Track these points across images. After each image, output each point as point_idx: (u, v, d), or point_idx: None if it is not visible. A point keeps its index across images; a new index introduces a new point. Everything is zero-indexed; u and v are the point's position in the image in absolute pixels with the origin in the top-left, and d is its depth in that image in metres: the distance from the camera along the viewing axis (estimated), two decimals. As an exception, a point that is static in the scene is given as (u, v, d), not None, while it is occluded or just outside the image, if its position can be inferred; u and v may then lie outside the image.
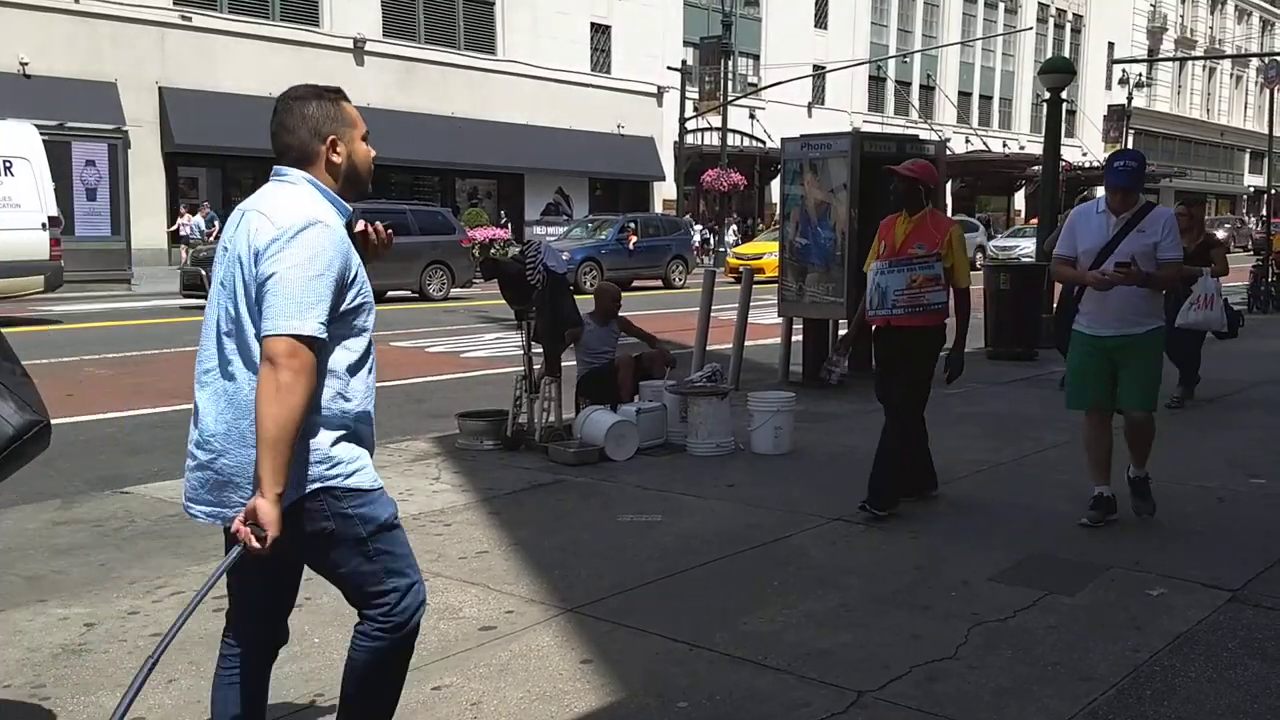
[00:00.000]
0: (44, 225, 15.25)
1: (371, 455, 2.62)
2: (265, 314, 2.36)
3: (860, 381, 10.01)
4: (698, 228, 35.33)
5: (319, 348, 2.38)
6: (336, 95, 2.63)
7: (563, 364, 7.42)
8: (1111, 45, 60.42)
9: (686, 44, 39.18)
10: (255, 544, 2.34)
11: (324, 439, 2.46)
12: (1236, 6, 74.19)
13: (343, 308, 2.45)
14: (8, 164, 15.02)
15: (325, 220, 2.47)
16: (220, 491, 2.52)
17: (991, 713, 3.35)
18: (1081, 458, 5.71)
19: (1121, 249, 5.13)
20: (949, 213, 26.26)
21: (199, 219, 26.36)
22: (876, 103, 48.96)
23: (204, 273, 18.02)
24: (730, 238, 35.03)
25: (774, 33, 43.20)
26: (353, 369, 2.52)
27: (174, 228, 26.74)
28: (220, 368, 2.49)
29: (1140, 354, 5.23)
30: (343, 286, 2.44)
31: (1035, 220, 20.06)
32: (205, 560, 4.79)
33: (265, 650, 2.86)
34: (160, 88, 26.97)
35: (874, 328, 5.71)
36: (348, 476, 2.51)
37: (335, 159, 2.59)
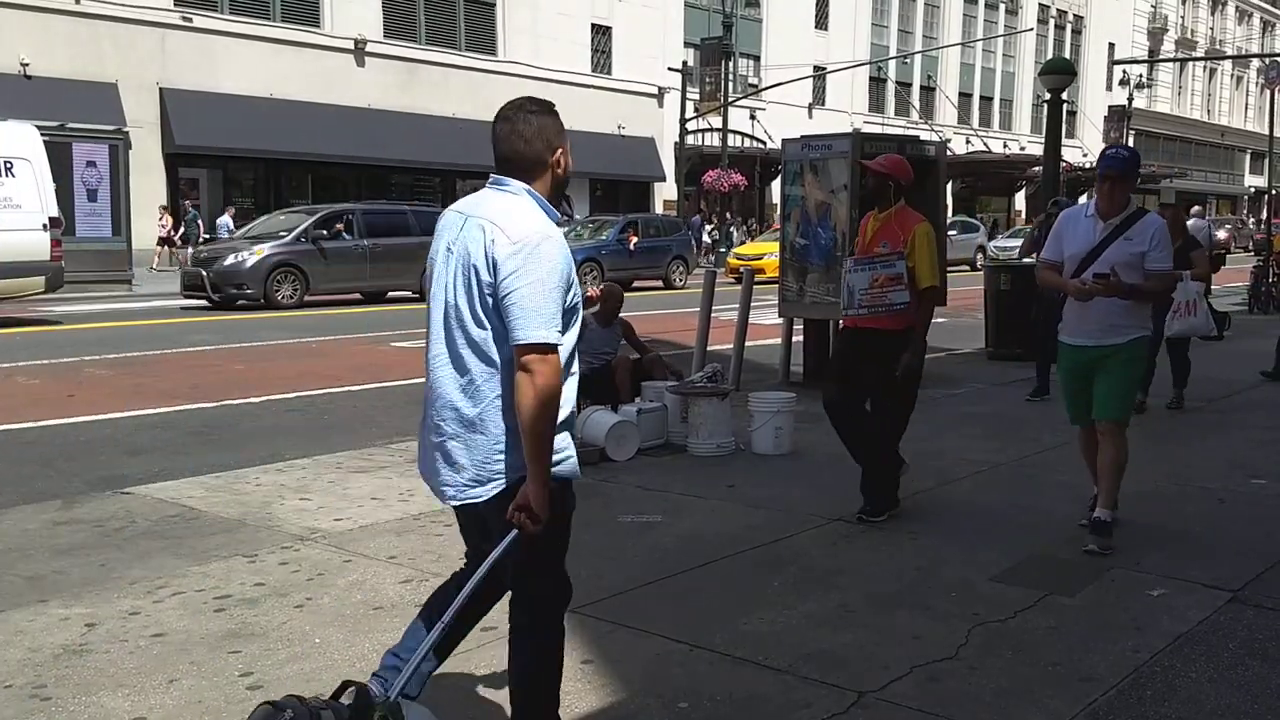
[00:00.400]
0: (45, 226, 15.26)
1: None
2: (514, 324, 2.59)
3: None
4: (708, 226, 35.33)
5: (559, 349, 2.64)
6: (554, 108, 2.82)
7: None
8: (1112, 46, 60.42)
9: (687, 45, 39.18)
10: (531, 528, 2.63)
11: None
12: (1237, 7, 74.19)
13: (564, 308, 2.67)
14: (9, 165, 15.02)
15: (553, 234, 2.66)
16: (440, 472, 2.81)
17: (992, 713, 3.35)
18: (1080, 460, 5.71)
19: (1106, 256, 4.91)
20: (949, 213, 26.29)
21: (226, 219, 26.19)
22: (877, 104, 48.96)
23: (204, 273, 18.05)
24: (737, 236, 35.09)
25: (774, 34, 43.20)
26: (567, 363, 2.74)
27: (165, 230, 26.62)
28: (451, 359, 2.75)
29: (1121, 364, 5.00)
30: (566, 291, 2.67)
31: (1036, 220, 20.03)
32: (206, 560, 4.80)
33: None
34: (161, 88, 26.98)
35: (841, 327, 5.58)
36: (560, 464, 2.79)
37: (558, 170, 2.79)
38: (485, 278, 2.62)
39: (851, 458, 5.58)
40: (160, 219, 26.29)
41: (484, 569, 2.71)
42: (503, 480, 2.72)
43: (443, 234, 2.79)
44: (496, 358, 2.68)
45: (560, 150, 2.77)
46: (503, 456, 2.72)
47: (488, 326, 2.66)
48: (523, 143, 2.72)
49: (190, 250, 25.53)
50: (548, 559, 2.86)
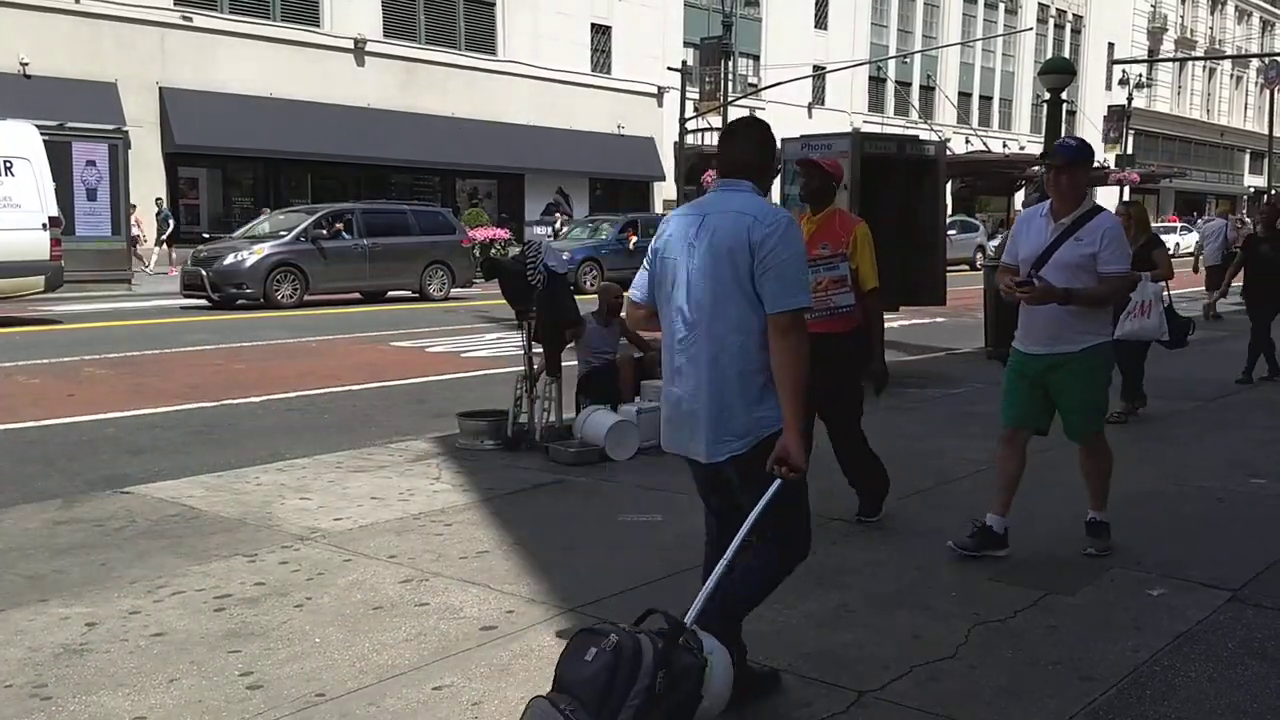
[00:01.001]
0: (44, 225, 15.26)
1: None
2: (775, 294, 3.05)
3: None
4: None
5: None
6: (768, 125, 3.42)
7: (563, 364, 7.42)
8: (1111, 46, 60.43)
9: (687, 44, 39.17)
10: (792, 475, 3.04)
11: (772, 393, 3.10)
12: (1237, 7, 74.20)
13: None
14: (8, 164, 15.03)
15: (792, 219, 3.20)
16: (695, 436, 3.21)
17: (992, 713, 3.35)
18: (1071, 461, 5.69)
19: (1057, 258, 4.61)
20: (948, 213, 26.28)
21: (270, 220, 25.95)
22: (876, 103, 48.96)
23: (204, 273, 18.05)
24: None
25: (774, 33, 43.20)
26: None
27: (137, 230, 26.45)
28: (709, 334, 3.16)
29: (1075, 375, 4.67)
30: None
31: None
32: (206, 560, 4.80)
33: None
34: (160, 88, 26.98)
35: None
36: (776, 424, 3.10)
37: (771, 175, 3.43)
38: (745, 258, 3.08)
39: (844, 468, 5.62)
40: (132, 218, 26.08)
41: (754, 516, 3.07)
42: (754, 438, 3.14)
43: (673, 231, 3.28)
44: (750, 328, 3.11)
45: (775, 156, 3.44)
46: (757, 416, 3.14)
47: (744, 301, 3.10)
48: (754, 150, 3.32)
49: (157, 250, 25.45)
50: (800, 498, 3.26)
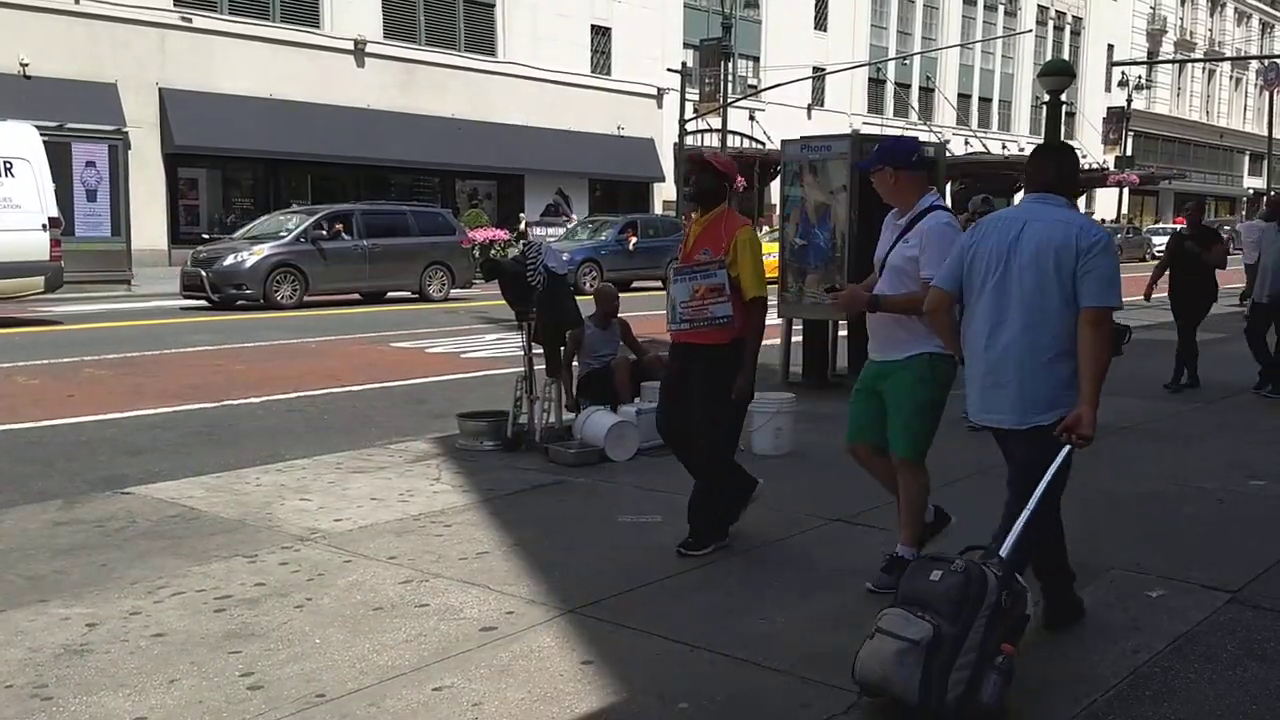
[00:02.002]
0: (44, 226, 15.26)
1: None
2: (1089, 292, 3.63)
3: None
4: None
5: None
6: (1071, 149, 4.14)
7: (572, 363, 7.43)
8: (1111, 47, 60.47)
9: (686, 46, 39.20)
10: (1081, 443, 3.60)
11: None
12: (1236, 9, 74.27)
13: None
14: (8, 165, 15.02)
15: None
16: (1005, 406, 3.78)
17: (991, 714, 3.35)
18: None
19: (889, 261, 4.42)
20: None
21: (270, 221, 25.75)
22: (876, 105, 48.99)
23: (203, 273, 18.04)
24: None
25: (774, 35, 43.23)
26: None
27: None
28: (1024, 323, 3.72)
29: (899, 386, 4.35)
30: None
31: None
32: (206, 561, 4.81)
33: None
34: (160, 89, 26.99)
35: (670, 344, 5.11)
36: (1074, 401, 3.65)
37: (1076, 190, 4.12)
38: (1069, 260, 3.65)
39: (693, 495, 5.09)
40: None
41: (1047, 478, 3.62)
42: (1057, 413, 3.68)
43: (990, 233, 3.87)
44: (1063, 318, 3.68)
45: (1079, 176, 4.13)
46: (1059, 392, 3.70)
47: (1060, 296, 3.67)
48: (1064, 173, 3.93)
49: None
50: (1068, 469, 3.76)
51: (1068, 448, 3.62)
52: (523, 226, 28.04)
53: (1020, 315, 3.72)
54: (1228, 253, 10.37)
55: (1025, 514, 3.59)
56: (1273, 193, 32.85)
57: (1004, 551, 3.47)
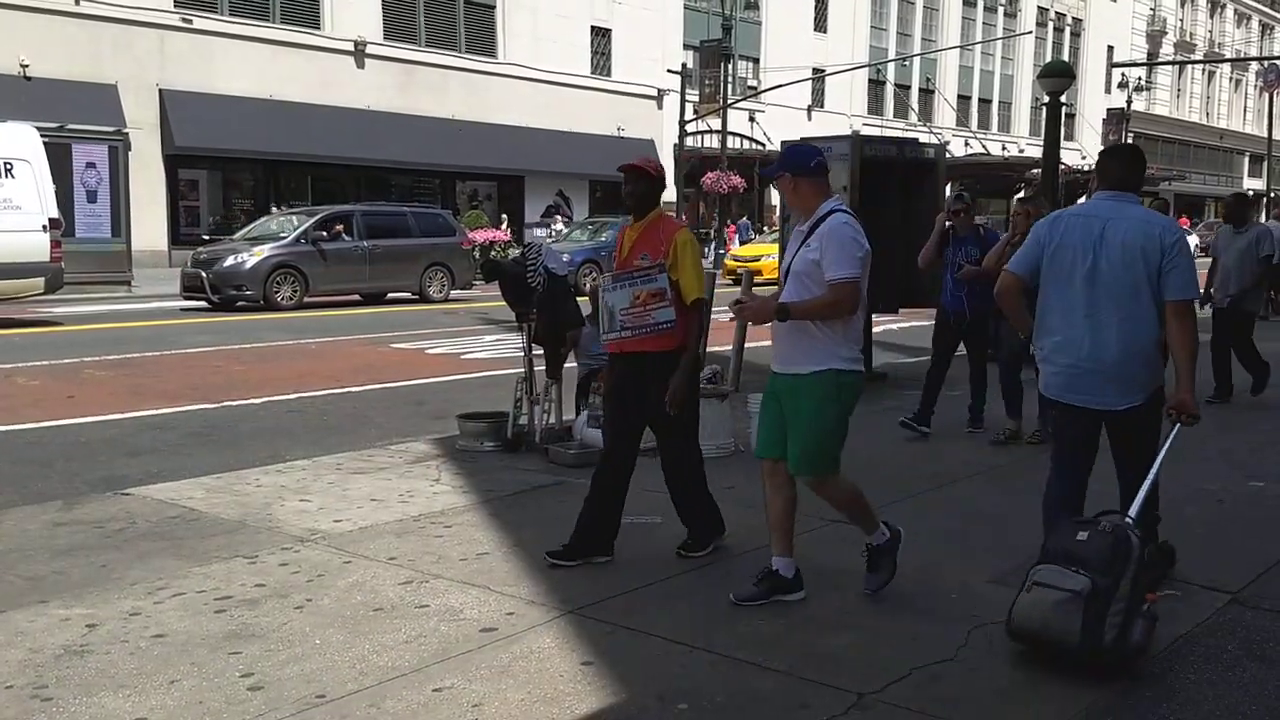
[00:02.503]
0: (44, 227, 15.26)
1: None
2: (1174, 285, 4.07)
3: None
4: (747, 223, 35.43)
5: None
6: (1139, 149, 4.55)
7: (564, 365, 7.43)
8: (1111, 49, 60.46)
9: (686, 47, 39.20)
10: (1191, 422, 4.12)
11: None
12: (1236, 10, 74.28)
13: None
14: (8, 166, 15.02)
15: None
16: (1103, 389, 4.18)
17: (991, 715, 3.36)
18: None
19: (794, 267, 4.24)
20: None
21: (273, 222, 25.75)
22: (876, 106, 48.99)
23: (204, 274, 18.04)
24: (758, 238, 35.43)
25: (774, 36, 43.23)
26: None
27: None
28: (1117, 315, 4.12)
29: (801, 403, 4.15)
30: None
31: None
32: (206, 561, 4.81)
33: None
34: (160, 90, 26.99)
35: (609, 355, 5.02)
36: (1161, 380, 4.25)
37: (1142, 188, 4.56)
38: (1155, 256, 4.05)
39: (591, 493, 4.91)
40: None
41: (1163, 453, 4.15)
42: (1147, 392, 4.20)
43: (1073, 228, 4.24)
44: (1150, 308, 4.09)
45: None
46: (1150, 375, 4.20)
47: (1148, 289, 4.08)
48: (1136, 173, 4.34)
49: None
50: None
51: (1178, 426, 4.16)
52: (503, 228, 28.14)
53: (1116, 310, 4.12)
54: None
55: (1148, 480, 4.11)
56: (1272, 194, 32.87)
57: (1133, 513, 3.96)
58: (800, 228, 4.31)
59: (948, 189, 35.93)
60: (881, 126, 45.35)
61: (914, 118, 47.83)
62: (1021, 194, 9.42)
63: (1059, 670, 3.65)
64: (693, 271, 4.74)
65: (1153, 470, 4.11)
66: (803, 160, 4.33)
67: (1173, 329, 4.07)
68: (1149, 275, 4.07)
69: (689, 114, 35.36)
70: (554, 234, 27.20)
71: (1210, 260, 9.71)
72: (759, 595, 4.26)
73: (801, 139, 10.48)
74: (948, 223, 7.83)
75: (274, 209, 25.90)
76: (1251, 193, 61.90)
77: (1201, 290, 8.88)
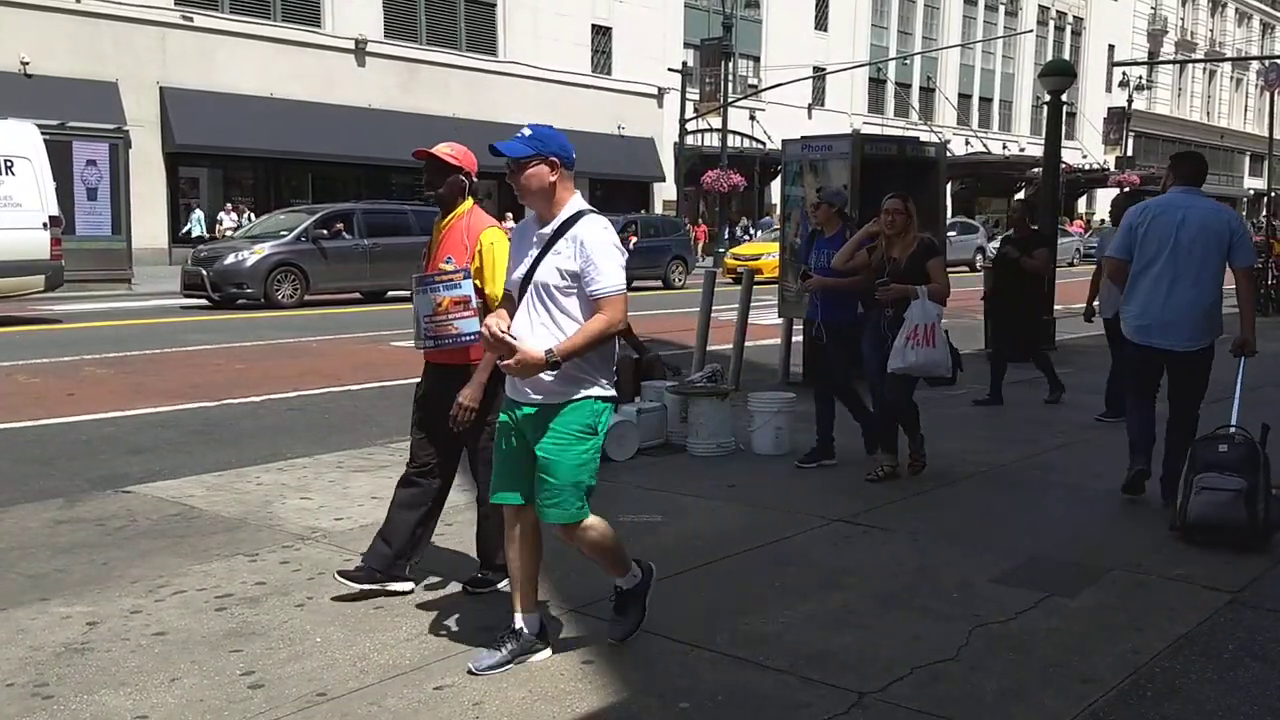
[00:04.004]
0: (45, 225, 15.26)
1: None
2: (1243, 257, 5.47)
3: (861, 383, 10.02)
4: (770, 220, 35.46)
5: None
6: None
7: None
8: (1112, 48, 60.46)
9: (687, 46, 39.21)
10: (1253, 354, 5.51)
11: None
12: (1237, 9, 74.25)
13: None
14: (9, 163, 15.02)
15: None
16: (1175, 336, 5.51)
17: (992, 714, 3.36)
18: (1083, 460, 5.69)
19: (538, 277, 3.51)
20: (948, 215, 26.25)
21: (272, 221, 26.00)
22: (876, 104, 48.98)
23: (204, 272, 18.04)
24: (761, 236, 35.45)
25: (774, 34, 43.23)
26: None
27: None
28: (1194, 280, 5.42)
29: (555, 437, 3.51)
30: None
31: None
32: (207, 559, 4.81)
33: None
34: (161, 88, 26.99)
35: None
36: (1221, 330, 5.62)
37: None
38: (1225, 236, 5.38)
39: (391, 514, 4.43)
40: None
41: (1239, 389, 5.42)
42: (1212, 339, 5.52)
43: (1159, 218, 5.49)
44: (1214, 278, 5.43)
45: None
46: (1215, 325, 5.50)
47: (1218, 261, 5.39)
48: (1202, 171, 5.70)
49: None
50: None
51: (1243, 359, 5.50)
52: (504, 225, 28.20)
53: (1193, 275, 5.40)
54: (1048, 262, 9.48)
55: (1237, 392, 5.41)
56: (1273, 194, 32.80)
57: (1234, 420, 5.25)
58: (542, 230, 3.56)
59: (948, 188, 35.94)
60: (882, 125, 45.37)
61: (915, 116, 47.84)
62: (1021, 194, 9.04)
63: (1060, 671, 3.66)
64: (497, 278, 4.02)
65: (1237, 391, 5.43)
66: (566, 149, 3.63)
67: (1241, 287, 5.45)
68: (1218, 250, 5.37)
69: (689, 112, 35.37)
70: None
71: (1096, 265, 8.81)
72: (504, 661, 3.62)
73: (802, 137, 10.50)
74: (813, 224, 7.07)
75: (225, 210, 25.96)
76: (1252, 192, 61.51)
77: (1085, 303, 8.62)
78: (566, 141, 3.67)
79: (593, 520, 3.66)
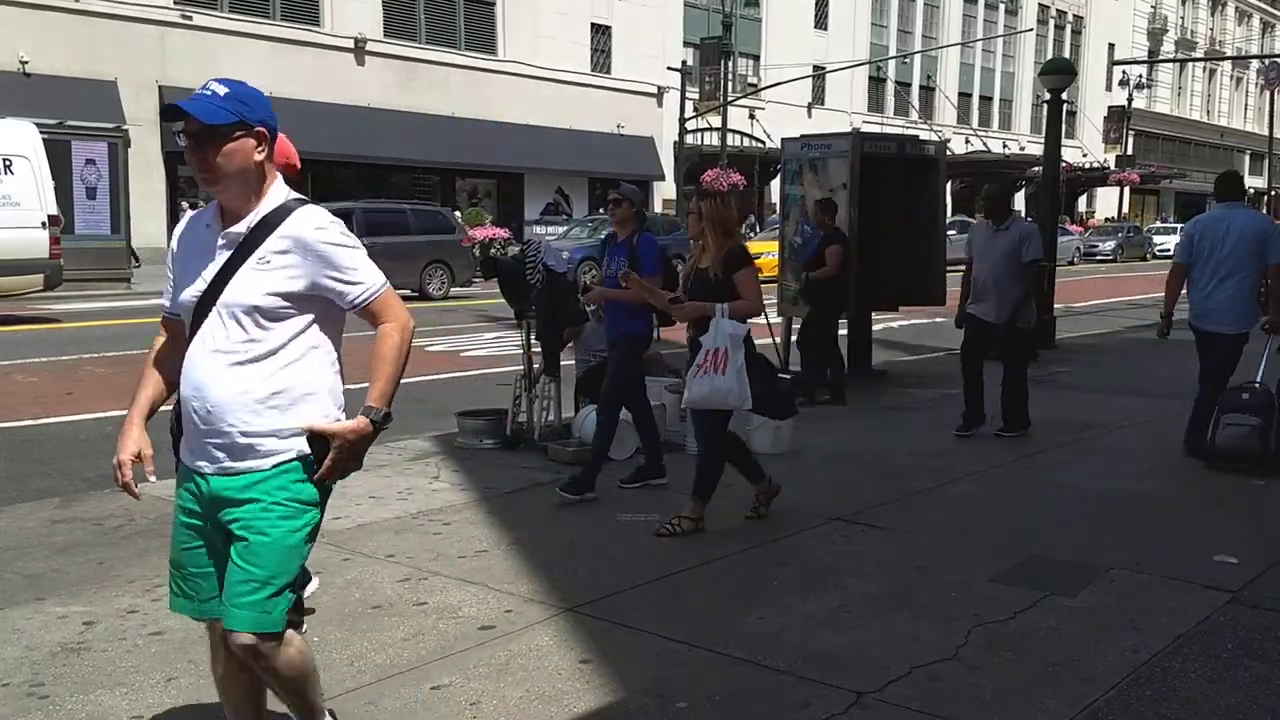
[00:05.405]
0: (44, 224, 15.23)
1: None
2: (1274, 254, 6.53)
3: (860, 382, 10.02)
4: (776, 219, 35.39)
5: None
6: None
7: (561, 363, 7.41)
8: (1112, 46, 60.45)
9: (687, 44, 39.17)
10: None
11: None
12: (1237, 8, 74.23)
13: None
14: (8, 162, 15.00)
15: None
16: (1220, 321, 6.69)
17: (991, 714, 3.35)
18: (1080, 459, 5.69)
19: (229, 298, 2.56)
20: (948, 214, 26.19)
21: None
22: (876, 103, 48.96)
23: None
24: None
25: (774, 33, 43.21)
26: None
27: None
28: (1237, 277, 6.59)
29: (256, 515, 2.56)
30: None
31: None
32: (204, 559, 4.79)
33: None
34: (160, 86, 26.94)
35: None
36: (1259, 316, 6.84)
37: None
38: (1261, 239, 6.52)
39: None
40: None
41: (1267, 352, 6.42)
42: (1251, 324, 6.61)
43: (1211, 226, 6.75)
44: (1252, 276, 6.61)
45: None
46: (1252, 313, 6.66)
47: (1257, 263, 6.57)
48: (1240, 188, 6.92)
49: None
50: None
51: (1272, 338, 6.57)
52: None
53: (1235, 273, 6.58)
54: (844, 262, 8.81)
55: (1264, 358, 6.58)
56: (1274, 192, 32.74)
57: (1259, 378, 6.58)
58: (232, 230, 2.59)
59: (948, 187, 35.92)
60: (882, 124, 45.34)
61: (915, 115, 47.81)
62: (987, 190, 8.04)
63: (1059, 671, 3.65)
64: None
65: (1264, 357, 6.62)
66: (275, 117, 2.67)
67: (1275, 282, 6.58)
68: (1255, 251, 6.55)
69: (689, 111, 35.34)
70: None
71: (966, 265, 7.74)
72: None
73: (802, 136, 10.49)
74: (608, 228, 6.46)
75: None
76: (1253, 191, 61.41)
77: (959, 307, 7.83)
78: (268, 104, 2.66)
79: (294, 636, 2.67)
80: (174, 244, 2.77)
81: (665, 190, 38.32)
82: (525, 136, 33.41)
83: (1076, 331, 14.35)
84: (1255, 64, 69.60)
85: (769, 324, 5.59)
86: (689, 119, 35.10)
